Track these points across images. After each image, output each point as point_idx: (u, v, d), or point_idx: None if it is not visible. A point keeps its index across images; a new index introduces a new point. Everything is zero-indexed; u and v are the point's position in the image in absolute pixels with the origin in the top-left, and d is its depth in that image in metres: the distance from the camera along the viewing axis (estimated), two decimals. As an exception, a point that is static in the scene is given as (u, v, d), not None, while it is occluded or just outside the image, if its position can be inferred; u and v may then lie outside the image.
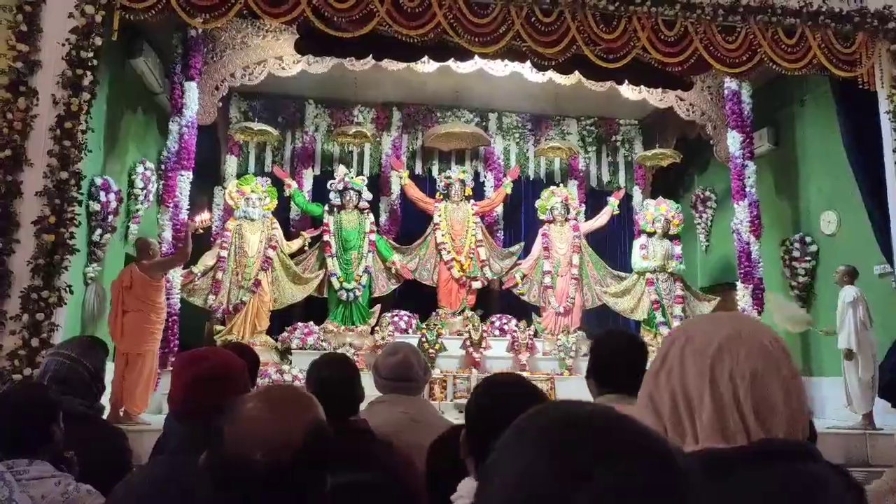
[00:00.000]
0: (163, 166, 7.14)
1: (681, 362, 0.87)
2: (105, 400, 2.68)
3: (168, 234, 6.80)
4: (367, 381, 2.17)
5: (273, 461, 0.97)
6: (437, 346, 7.20)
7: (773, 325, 6.82)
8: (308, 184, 8.81)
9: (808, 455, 0.83)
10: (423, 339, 7.16)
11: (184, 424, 1.54)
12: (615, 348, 1.97)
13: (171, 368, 6.53)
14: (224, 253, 7.39)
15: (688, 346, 0.88)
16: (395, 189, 8.92)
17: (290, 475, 0.98)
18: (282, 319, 7.66)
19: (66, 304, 4.73)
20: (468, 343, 7.31)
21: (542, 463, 0.51)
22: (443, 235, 8.20)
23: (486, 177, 9.27)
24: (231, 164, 8.60)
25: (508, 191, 8.69)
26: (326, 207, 8.03)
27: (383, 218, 8.84)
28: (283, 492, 0.99)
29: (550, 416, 0.57)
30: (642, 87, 7.52)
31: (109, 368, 5.15)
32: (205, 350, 1.86)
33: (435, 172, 9.09)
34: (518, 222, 9.35)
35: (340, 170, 8.19)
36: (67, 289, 4.72)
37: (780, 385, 0.84)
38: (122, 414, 5.41)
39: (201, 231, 6.47)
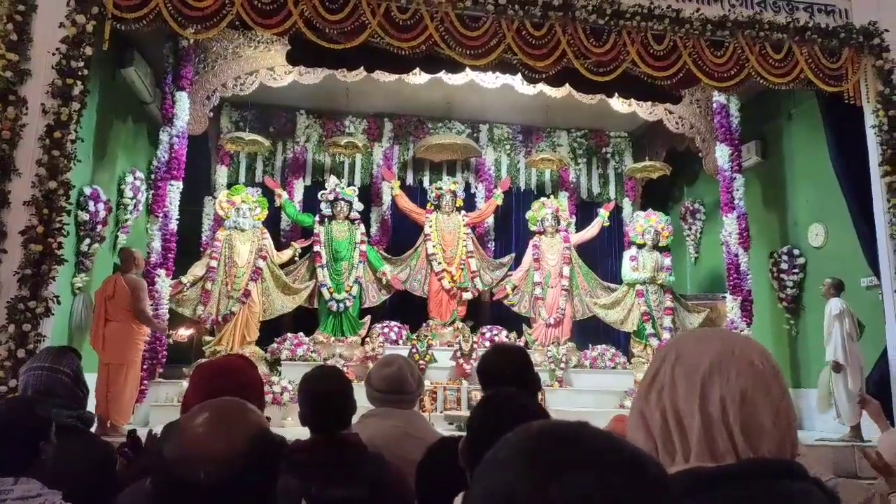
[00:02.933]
0: (153, 176, 7.11)
1: (671, 381, 0.88)
2: (90, 409, 2.65)
3: (157, 244, 6.76)
4: (358, 394, 2.16)
5: (217, 478, 0.95)
6: (427, 358, 7.19)
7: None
8: (299, 194, 8.80)
9: (794, 473, 0.84)
10: (414, 350, 7.14)
11: None
12: (496, 370, 1.98)
13: (159, 380, 6.48)
14: (214, 263, 7.36)
15: (678, 365, 0.88)
16: (386, 200, 8.92)
17: (237, 490, 0.97)
18: (271, 330, 7.62)
19: (53, 314, 4.69)
20: (458, 354, 7.30)
21: (519, 471, 0.54)
22: (434, 246, 8.19)
23: (477, 188, 9.29)
24: (221, 174, 8.58)
25: (499, 202, 8.72)
26: (317, 218, 8.01)
27: (374, 228, 8.83)
28: None
29: (531, 428, 0.59)
30: (632, 100, 7.58)
31: (91, 379, 5.09)
32: (228, 362, 1.84)
33: (426, 183, 9.10)
34: (509, 233, 9.37)
35: (331, 180, 8.19)
36: (55, 299, 4.68)
37: (769, 406, 0.85)
38: (108, 426, 5.35)
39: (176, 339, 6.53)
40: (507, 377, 1.99)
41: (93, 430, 2.76)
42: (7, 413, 1.88)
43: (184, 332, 6.40)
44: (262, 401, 1.68)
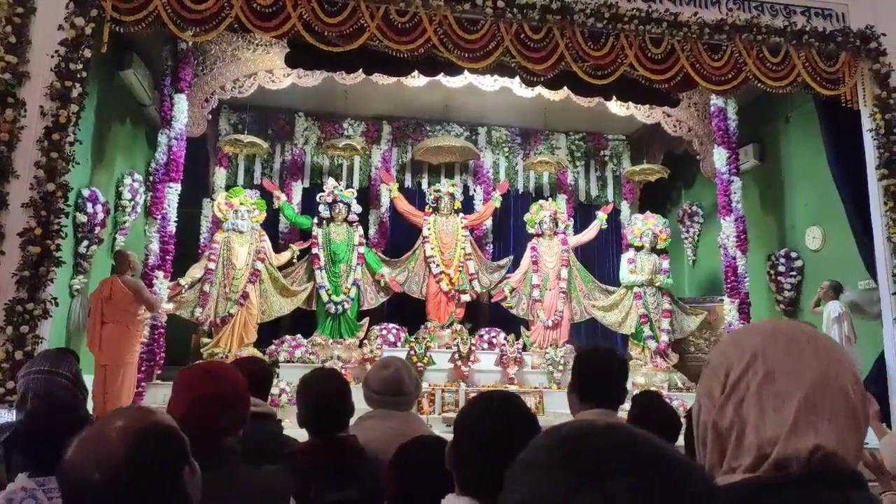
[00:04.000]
0: (151, 178, 7.11)
1: (758, 399, 0.82)
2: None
3: (155, 246, 6.76)
4: (356, 395, 2.16)
5: (111, 477, 0.98)
6: (425, 360, 7.18)
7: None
8: (297, 196, 8.80)
9: (857, 482, 0.83)
10: (412, 353, 7.14)
11: None
12: (600, 364, 1.99)
13: (157, 382, 6.48)
14: (212, 265, 7.35)
15: (767, 384, 0.82)
16: (385, 202, 8.93)
17: (133, 488, 1.00)
18: (270, 332, 7.61)
19: (50, 316, 4.69)
20: (457, 356, 7.30)
21: (554, 473, 0.53)
22: (432, 249, 8.20)
23: (475, 190, 9.30)
24: (220, 176, 8.58)
25: (497, 204, 8.73)
26: (315, 220, 8.01)
27: (372, 231, 8.83)
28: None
29: (565, 430, 0.58)
30: (630, 103, 7.60)
31: (88, 381, 5.09)
32: (214, 366, 1.84)
33: (424, 186, 9.11)
34: (507, 236, 9.38)
35: (330, 182, 8.19)
36: (53, 301, 4.67)
37: (857, 442, 0.82)
38: (106, 428, 5.34)
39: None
40: (611, 376, 1.99)
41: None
42: (51, 414, 1.91)
43: (167, 306, 6.57)
44: (246, 405, 1.65)
